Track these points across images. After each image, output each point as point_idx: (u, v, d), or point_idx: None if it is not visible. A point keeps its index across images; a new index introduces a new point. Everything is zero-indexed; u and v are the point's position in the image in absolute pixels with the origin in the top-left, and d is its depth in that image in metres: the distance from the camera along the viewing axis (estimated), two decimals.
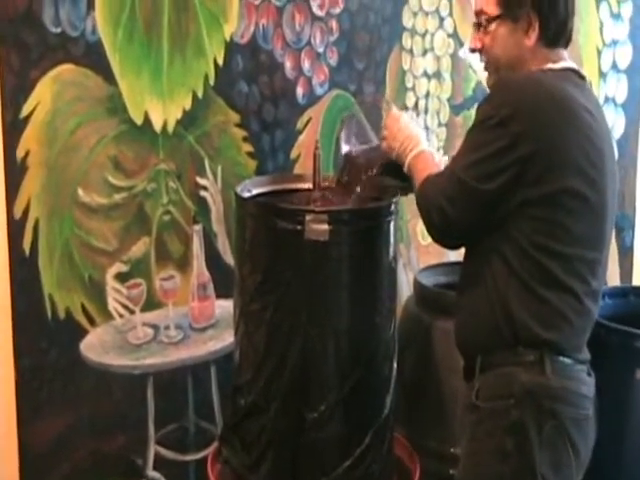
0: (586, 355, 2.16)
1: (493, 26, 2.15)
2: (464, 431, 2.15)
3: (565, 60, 2.15)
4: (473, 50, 2.23)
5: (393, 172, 2.37)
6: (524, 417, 2.02)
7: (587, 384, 2.12)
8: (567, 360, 2.08)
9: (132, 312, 2.74)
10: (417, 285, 3.03)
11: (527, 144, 1.97)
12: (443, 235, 2.13)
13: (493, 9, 2.15)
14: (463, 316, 2.21)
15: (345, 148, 2.51)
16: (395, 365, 2.60)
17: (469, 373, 2.17)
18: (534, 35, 2.12)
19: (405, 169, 2.29)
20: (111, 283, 2.68)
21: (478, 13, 2.20)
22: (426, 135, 2.36)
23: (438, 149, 3.55)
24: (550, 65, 2.12)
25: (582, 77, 2.16)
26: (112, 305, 2.69)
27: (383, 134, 2.38)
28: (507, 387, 2.06)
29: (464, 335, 2.21)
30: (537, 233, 2.02)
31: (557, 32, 2.13)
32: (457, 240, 2.19)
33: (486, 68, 2.24)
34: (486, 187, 2.00)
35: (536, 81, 2.07)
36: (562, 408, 2.04)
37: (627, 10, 4.28)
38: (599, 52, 4.20)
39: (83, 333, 2.64)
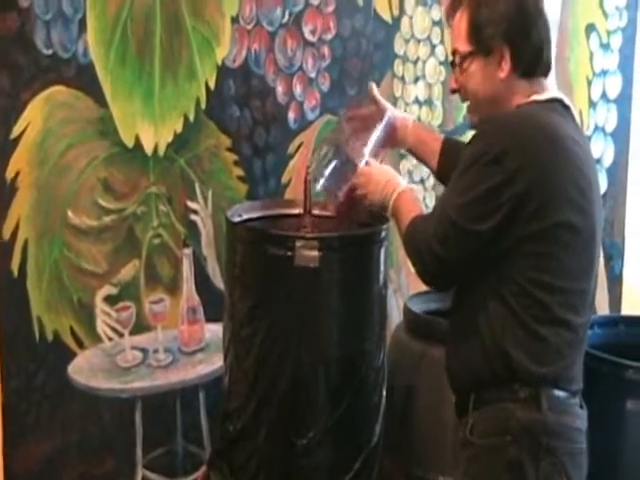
0: (579, 385, 2.12)
1: (467, 64, 2.10)
2: (457, 465, 2.11)
3: (549, 90, 2.11)
4: (453, 91, 2.20)
5: None
6: (521, 454, 1.98)
7: (581, 417, 2.09)
8: (562, 393, 2.04)
9: (121, 335, 2.70)
10: (407, 312, 3.00)
11: (522, 180, 1.93)
12: (436, 278, 2.10)
13: (465, 46, 2.10)
14: (456, 354, 2.16)
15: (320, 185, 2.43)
16: (384, 392, 2.57)
17: (462, 409, 2.13)
18: (507, 67, 2.06)
19: (389, 214, 2.25)
20: (100, 306, 2.65)
21: (453, 53, 2.16)
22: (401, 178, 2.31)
23: (429, 175, 3.53)
24: (535, 97, 2.08)
25: (566, 106, 2.11)
26: (101, 328, 2.66)
27: (358, 193, 2.32)
28: (503, 424, 2.01)
29: (457, 373, 2.16)
30: (532, 269, 1.98)
31: (532, 62, 2.08)
32: (450, 282, 2.16)
33: (468, 108, 2.20)
34: (481, 228, 1.96)
35: (524, 116, 2.04)
36: (559, 444, 2.01)
37: (617, 41, 4.28)
38: (589, 82, 4.20)
39: (71, 356, 2.60)
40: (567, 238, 1.99)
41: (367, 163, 2.35)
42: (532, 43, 2.07)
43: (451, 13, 2.16)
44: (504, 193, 1.93)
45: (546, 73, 2.13)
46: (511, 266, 1.99)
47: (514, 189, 1.93)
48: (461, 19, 2.12)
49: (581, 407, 2.11)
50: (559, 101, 2.10)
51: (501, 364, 2.03)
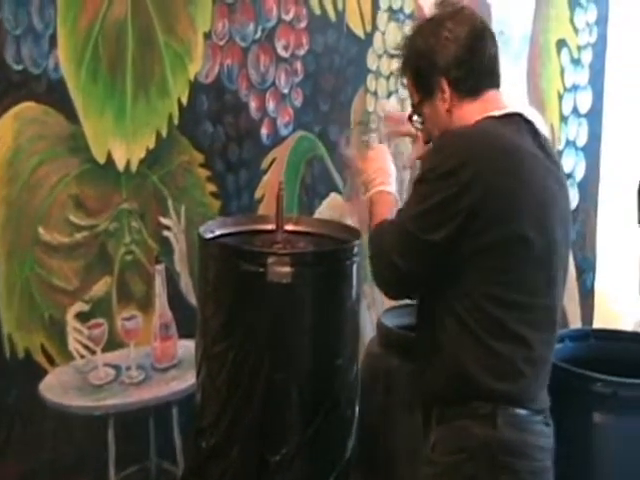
0: (543, 404, 2.09)
1: (422, 110, 2.16)
2: None
3: (506, 106, 2.10)
4: (427, 141, 2.22)
5: None
6: (478, 472, 1.96)
7: (544, 435, 2.05)
8: (522, 412, 2.01)
9: (93, 352, 2.68)
10: (381, 326, 2.98)
11: (477, 191, 1.92)
12: (393, 289, 2.11)
13: (415, 96, 2.17)
14: (420, 371, 2.16)
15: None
16: (357, 407, 2.55)
17: (427, 425, 2.12)
18: (447, 96, 2.09)
19: (366, 199, 2.27)
20: (72, 323, 2.62)
21: (413, 108, 2.21)
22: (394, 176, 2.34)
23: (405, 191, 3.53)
24: (490, 113, 2.07)
25: (527, 121, 2.10)
26: (73, 345, 2.63)
27: (364, 155, 2.38)
28: (461, 441, 2.00)
29: (420, 386, 2.16)
30: (487, 283, 1.97)
31: (472, 79, 2.09)
32: (407, 293, 2.17)
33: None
34: (434, 237, 1.95)
35: (479, 130, 2.03)
36: (517, 462, 1.98)
37: (587, 56, 4.31)
38: (560, 97, 4.22)
39: (42, 373, 2.58)
40: (521, 252, 1.98)
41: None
42: (467, 65, 2.07)
43: (400, 75, 2.24)
44: (459, 203, 1.93)
45: (495, 84, 2.13)
46: (465, 280, 1.99)
47: (468, 199, 1.92)
48: (407, 81, 2.20)
49: (547, 424, 2.08)
50: (519, 115, 2.09)
51: (459, 380, 2.02)
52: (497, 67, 2.13)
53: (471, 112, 2.08)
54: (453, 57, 2.07)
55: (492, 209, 1.94)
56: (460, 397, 2.02)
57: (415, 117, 2.20)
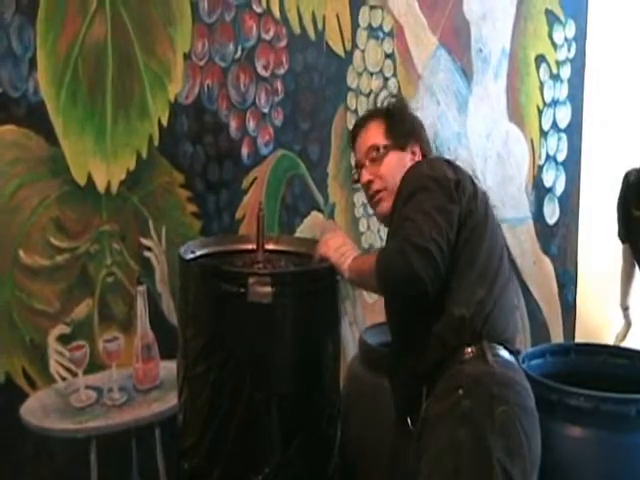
0: (518, 346, 2.25)
1: (383, 154, 2.33)
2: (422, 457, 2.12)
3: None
4: (367, 184, 2.35)
5: None
6: (474, 405, 2.03)
7: (523, 377, 2.18)
8: (504, 352, 2.15)
9: (75, 375, 2.67)
10: (362, 344, 2.99)
11: (465, 188, 2.19)
12: (423, 268, 2.04)
13: (382, 140, 2.35)
14: (402, 354, 2.25)
15: None
16: (339, 427, 2.55)
17: (414, 409, 2.17)
18: (417, 158, 2.36)
19: (346, 271, 2.29)
20: (53, 345, 2.61)
21: (368, 151, 2.36)
22: None
23: None
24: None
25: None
26: (54, 368, 2.62)
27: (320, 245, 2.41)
28: (454, 381, 2.08)
29: (405, 369, 2.23)
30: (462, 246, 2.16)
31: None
32: (437, 273, 2.09)
33: (378, 197, 2.33)
34: (456, 206, 2.14)
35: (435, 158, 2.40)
36: (510, 394, 2.07)
37: (566, 71, 4.34)
38: (540, 111, 4.24)
39: (23, 397, 2.56)
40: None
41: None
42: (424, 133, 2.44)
43: (359, 129, 2.43)
44: (457, 191, 2.17)
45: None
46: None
47: (465, 190, 2.18)
48: (376, 125, 2.38)
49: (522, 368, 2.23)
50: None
51: (449, 330, 2.12)
52: None
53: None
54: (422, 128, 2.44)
55: (466, 190, 2.21)
56: (449, 351, 2.12)
57: (372, 159, 2.35)
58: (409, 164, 2.31)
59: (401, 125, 2.36)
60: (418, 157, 2.36)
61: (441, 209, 2.11)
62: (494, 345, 2.14)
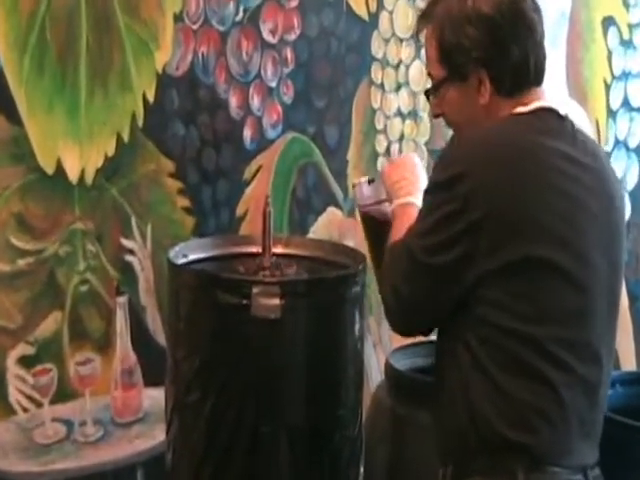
0: (585, 458, 2.11)
1: (443, 90, 2.18)
2: None
3: (538, 99, 2.13)
4: (436, 115, 2.27)
5: None
6: None
7: None
8: (553, 469, 2.03)
9: (39, 405, 2.69)
10: (389, 369, 3.00)
11: (478, 206, 1.97)
12: (398, 320, 2.14)
13: (438, 71, 2.18)
14: (434, 416, 2.20)
15: None
16: (362, 468, 2.57)
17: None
18: (487, 93, 2.12)
19: (390, 209, 2.34)
20: (13, 369, 2.64)
21: (429, 76, 2.24)
22: None
23: None
24: (516, 109, 2.11)
25: (561, 116, 2.13)
26: (14, 397, 2.65)
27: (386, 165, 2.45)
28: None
29: (436, 440, 2.19)
30: (500, 312, 2.00)
31: (516, 79, 2.13)
32: (415, 326, 2.19)
33: (455, 129, 2.26)
34: (438, 260, 2.01)
35: (490, 133, 2.10)
36: None
37: None
38: (607, 86, 4.24)
39: None
40: (541, 276, 2.00)
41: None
42: (512, 57, 2.11)
43: (419, 28, 2.23)
44: (457, 222, 1.98)
45: (537, 82, 2.17)
46: (478, 309, 2.02)
47: (469, 217, 1.97)
48: (430, 41, 2.19)
49: None
50: (551, 110, 2.13)
51: (471, 428, 2.04)
52: (542, 60, 2.18)
53: (504, 108, 2.12)
54: (498, 51, 2.11)
55: (500, 227, 1.97)
56: (473, 451, 2.05)
57: (432, 92, 2.23)
58: (476, 99, 2.13)
59: (459, 49, 2.12)
60: (487, 90, 2.11)
61: (428, 257, 2.03)
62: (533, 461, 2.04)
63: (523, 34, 2.13)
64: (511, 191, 1.98)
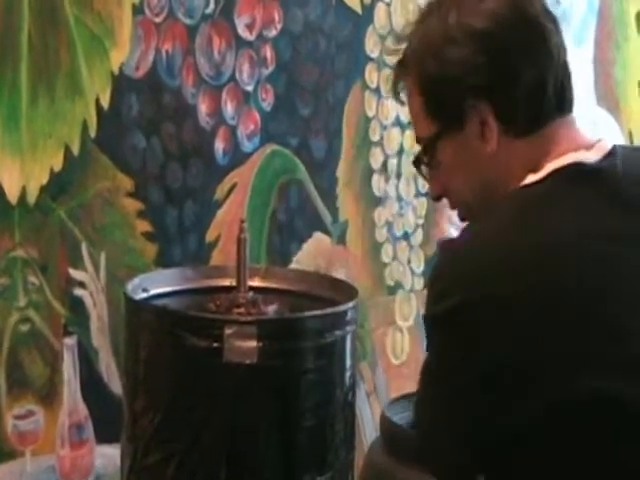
0: None
1: (438, 152, 1.88)
2: None
3: (558, 143, 1.82)
4: (438, 196, 1.97)
5: None
6: None
7: None
8: None
9: None
10: (386, 423, 3.01)
11: (484, 345, 1.67)
12: None
13: (427, 128, 1.89)
14: None
15: None
16: None
17: None
18: (493, 135, 1.82)
19: None
20: None
21: (418, 142, 1.95)
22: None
23: (416, 227, 3.56)
24: (529, 178, 1.79)
25: (594, 170, 1.76)
26: None
27: None
28: None
29: None
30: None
31: (530, 110, 1.82)
32: None
33: (464, 216, 1.97)
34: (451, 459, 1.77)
35: (492, 229, 1.77)
36: None
37: None
38: None
39: None
40: (586, 424, 1.63)
41: None
42: (524, 84, 1.81)
43: (396, 81, 1.96)
44: (460, 374, 1.71)
45: (561, 110, 1.86)
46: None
47: (473, 364, 1.69)
48: (411, 93, 1.92)
49: None
50: (579, 165, 1.78)
51: None
52: (566, 81, 1.88)
53: (517, 157, 1.84)
54: (502, 72, 1.81)
55: (520, 368, 1.65)
56: None
57: (424, 162, 1.93)
58: (482, 150, 1.83)
59: (447, 78, 1.81)
60: (492, 130, 1.80)
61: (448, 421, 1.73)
62: None
63: (534, 47, 1.83)
64: (533, 315, 1.65)
